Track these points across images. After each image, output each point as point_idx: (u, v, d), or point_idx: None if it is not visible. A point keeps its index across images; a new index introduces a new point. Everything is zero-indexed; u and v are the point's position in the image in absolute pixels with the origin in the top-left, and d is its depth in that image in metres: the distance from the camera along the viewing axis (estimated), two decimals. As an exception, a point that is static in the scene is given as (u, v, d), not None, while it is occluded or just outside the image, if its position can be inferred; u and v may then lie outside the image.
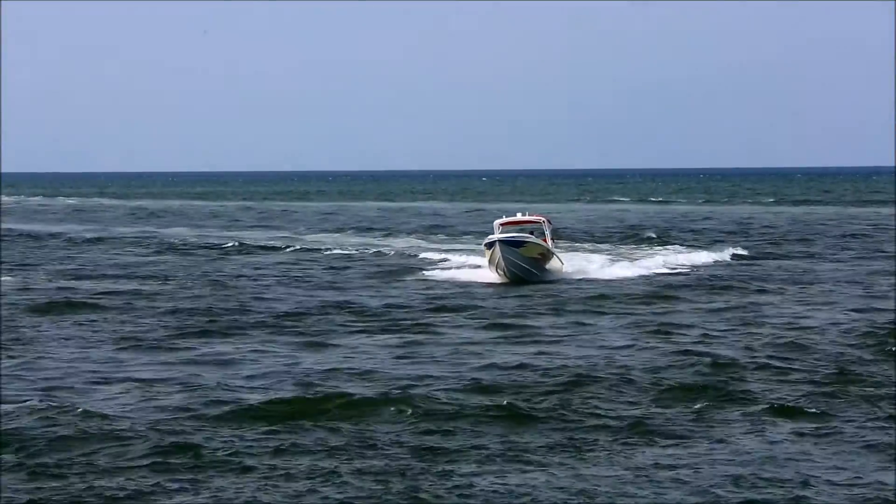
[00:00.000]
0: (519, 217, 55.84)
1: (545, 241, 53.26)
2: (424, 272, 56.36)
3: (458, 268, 58.28)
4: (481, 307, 42.65)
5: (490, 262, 51.92)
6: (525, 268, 51.00)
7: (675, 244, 73.32)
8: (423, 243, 77.02)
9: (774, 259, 62.82)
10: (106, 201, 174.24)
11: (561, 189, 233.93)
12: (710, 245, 71.60)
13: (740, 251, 66.33)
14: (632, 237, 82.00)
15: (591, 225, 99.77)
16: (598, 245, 73.94)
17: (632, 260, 61.29)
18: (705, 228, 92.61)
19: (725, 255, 64.28)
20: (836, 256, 64.05)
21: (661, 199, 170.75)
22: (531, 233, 53.53)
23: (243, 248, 73.57)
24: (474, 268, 56.19)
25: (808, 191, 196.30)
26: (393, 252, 69.50)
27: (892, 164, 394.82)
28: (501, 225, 54.74)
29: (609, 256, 63.60)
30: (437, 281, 52.74)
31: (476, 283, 51.54)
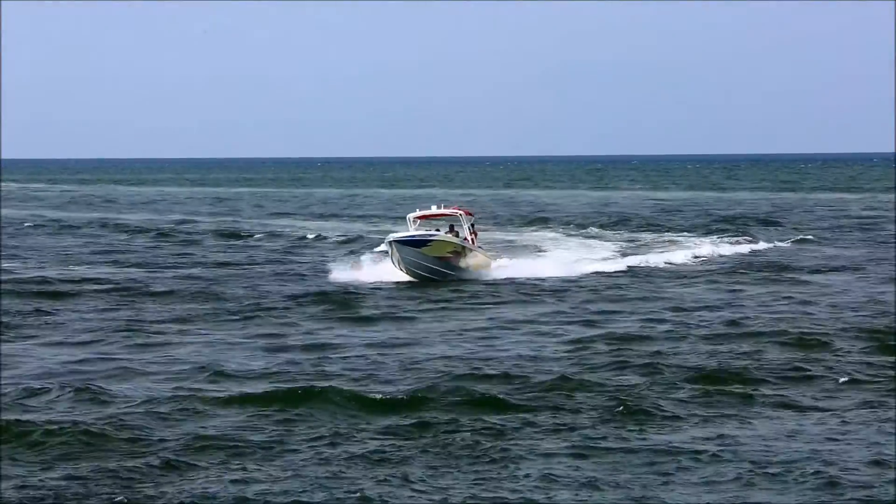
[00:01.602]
0: (434, 210, 50.97)
1: (468, 237, 48.97)
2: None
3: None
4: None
5: (392, 260, 47.36)
6: (431, 268, 46.51)
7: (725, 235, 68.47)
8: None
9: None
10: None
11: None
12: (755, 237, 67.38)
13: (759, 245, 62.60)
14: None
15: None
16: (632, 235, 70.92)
17: (624, 254, 57.64)
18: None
19: (746, 247, 61.04)
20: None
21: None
22: (451, 226, 49.48)
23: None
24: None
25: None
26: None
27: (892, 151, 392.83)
28: (416, 218, 50.53)
29: (612, 247, 60.98)
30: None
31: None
